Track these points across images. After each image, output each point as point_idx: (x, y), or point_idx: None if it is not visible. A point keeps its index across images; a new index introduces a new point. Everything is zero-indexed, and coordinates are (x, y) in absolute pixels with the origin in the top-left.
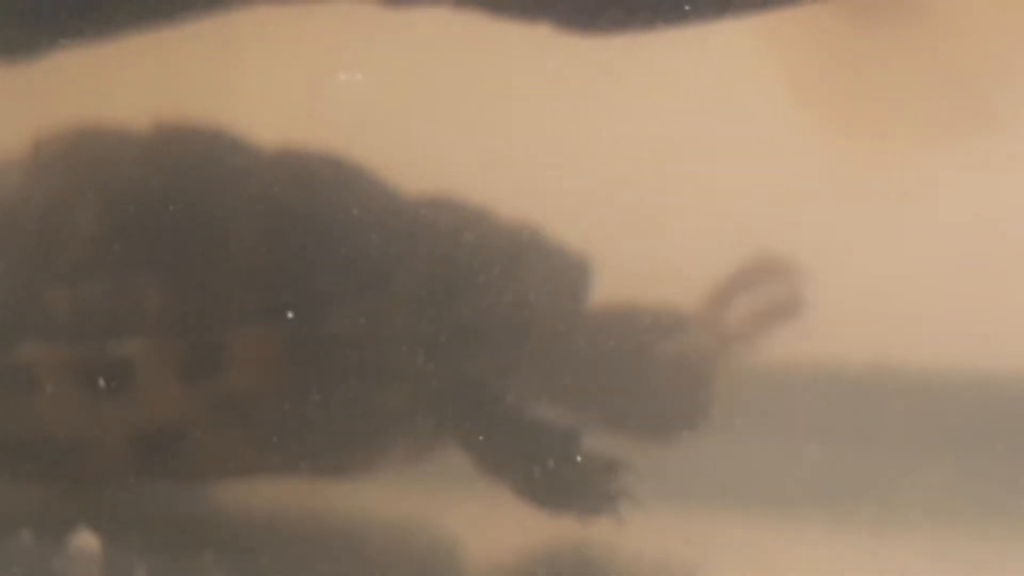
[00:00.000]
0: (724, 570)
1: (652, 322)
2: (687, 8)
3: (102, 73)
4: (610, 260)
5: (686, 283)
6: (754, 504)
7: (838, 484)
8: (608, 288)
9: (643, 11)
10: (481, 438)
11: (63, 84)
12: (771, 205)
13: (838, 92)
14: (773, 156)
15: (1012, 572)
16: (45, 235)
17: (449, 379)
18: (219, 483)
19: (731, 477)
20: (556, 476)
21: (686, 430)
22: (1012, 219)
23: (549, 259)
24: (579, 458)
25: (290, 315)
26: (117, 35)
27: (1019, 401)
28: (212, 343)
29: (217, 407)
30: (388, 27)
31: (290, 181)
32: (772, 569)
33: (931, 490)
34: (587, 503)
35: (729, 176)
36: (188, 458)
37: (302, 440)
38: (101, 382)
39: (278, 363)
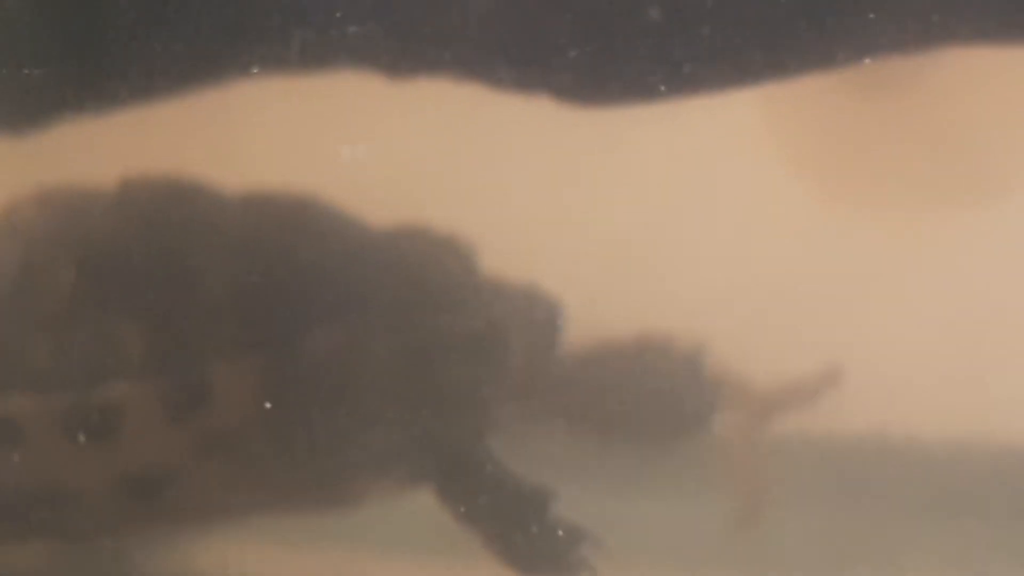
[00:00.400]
0: None
1: (634, 353)
2: (687, 81)
3: (95, 143)
4: (610, 327)
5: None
6: (745, 568)
7: (835, 551)
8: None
9: (642, 84)
10: (460, 497)
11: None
12: (769, 275)
13: (836, 164)
14: (771, 227)
15: None
16: (21, 292)
17: (427, 427)
18: (209, 525)
19: (723, 539)
20: (532, 543)
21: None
22: (1010, 288)
23: (521, 299)
24: (560, 532)
25: (268, 346)
26: (118, 109)
27: (1018, 471)
28: (194, 381)
29: (203, 445)
30: (391, 101)
31: (258, 221)
32: None
33: (929, 558)
34: (557, 570)
35: (727, 246)
36: (178, 499)
37: (289, 474)
38: (83, 434)
39: (259, 395)
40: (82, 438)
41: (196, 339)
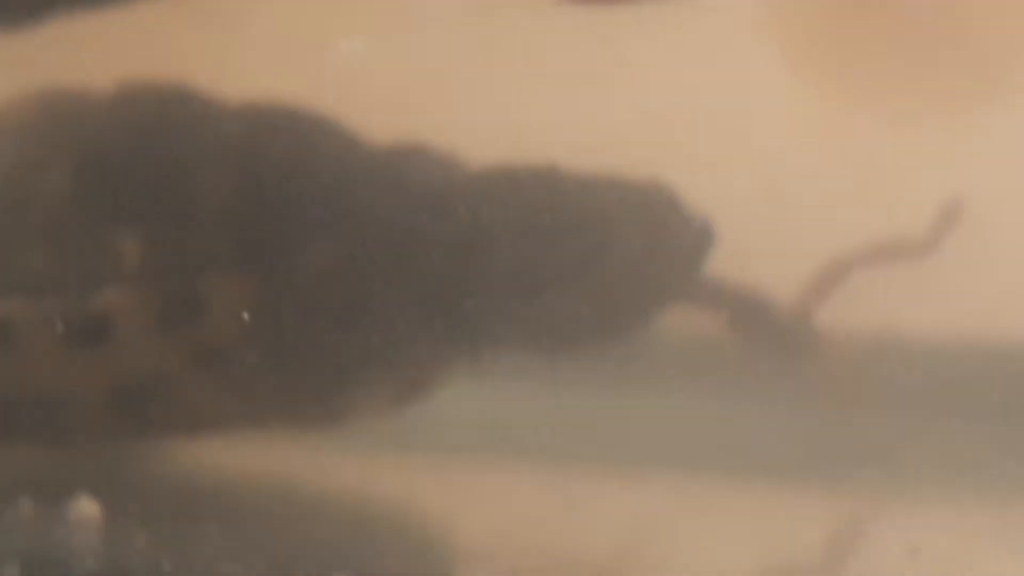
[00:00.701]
0: (721, 542)
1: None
2: None
3: (83, 42)
4: None
5: None
6: (748, 471)
7: (838, 451)
8: None
9: None
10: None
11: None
12: (768, 172)
13: (834, 62)
14: (769, 125)
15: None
16: (17, 194)
17: (431, 316)
18: (199, 436)
19: (726, 443)
20: None
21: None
22: (1007, 189)
23: (520, 196)
24: None
25: (263, 260)
26: (110, 5)
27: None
28: (188, 292)
29: (195, 356)
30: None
31: (254, 131)
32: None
33: (936, 459)
34: None
35: (726, 143)
36: (168, 410)
37: (281, 388)
38: (74, 339)
39: (253, 308)
40: (74, 344)
41: (192, 251)
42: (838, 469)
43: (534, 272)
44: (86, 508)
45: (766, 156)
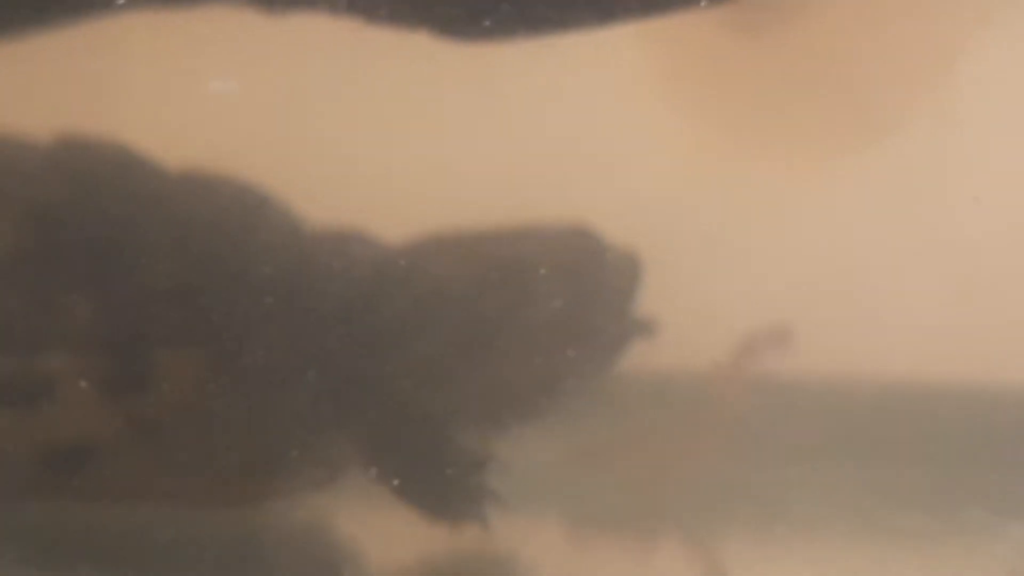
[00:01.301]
0: None
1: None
2: (566, 16)
3: None
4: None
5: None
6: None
7: (720, 495)
8: None
9: (522, 19)
10: (398, 471)
11: None
12: (647, 214)
13: (715, 101)
14: (650, 164)
15: None
16: None
17: (361, 398)
18: (124, 506)
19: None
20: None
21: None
22: (892, 224)
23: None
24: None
25: (209, 338)
26: None
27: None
28: (135, 362)
29: (134, 427)
30: (263, 35)
31: (198, 201)
32: None
33: (815, 501)
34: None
35: (607, 185)
36: (101, 478)
37: (216, 466)
38: (12, 398)
39: (197, 388)
40: (13, 404)
41: (142, 320)
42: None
43: (457, 341)
44: None
45: (643, 195)
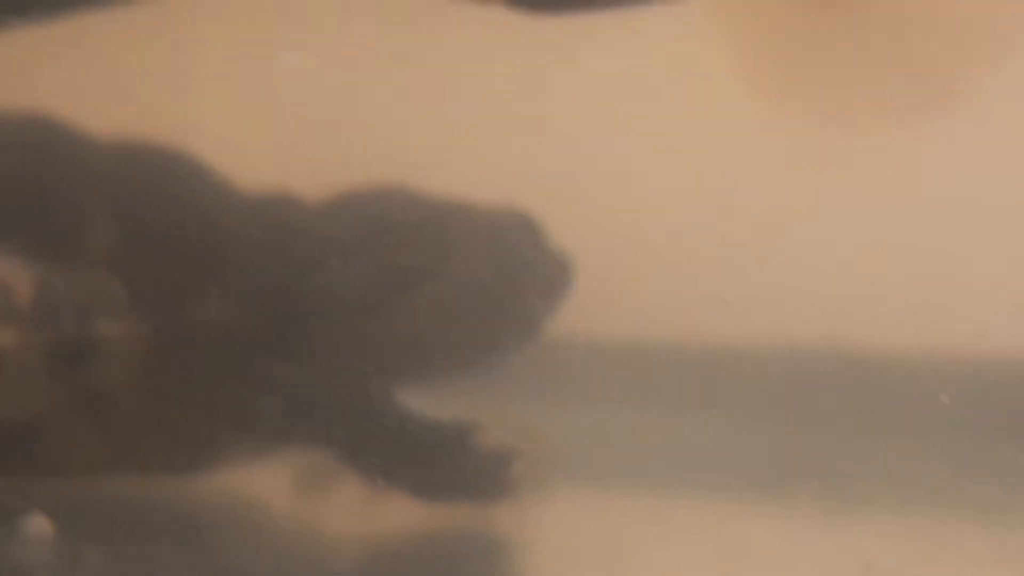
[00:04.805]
0: (675, 552)
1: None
2: None
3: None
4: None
5: (631, 262)
6: (697, 486)
7: (785, 465)
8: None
9: None
10: (364, 447)
11: None
12: (719, 188)
13: (790, 74)
14: (721, 138)
15: (967, 556)
16: None
17: (315, 378)
18: (75, 479)
19: (680, 458)
20: (452, 472)
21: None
22: (963, 199)
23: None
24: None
25: (156, 310)
26: (43, 19)
27: (975, 384)
28: (79, 335)
29: (79, 402)
30: (335, 6)
31: (130, 170)
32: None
33: (881, 474)
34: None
35: (677, 157)
36: (48, 452)
37: (159, 437)
38: None
39: (142, 356)
40: None
41: (85, 293)
42: (787, 484)
43: (366, 294)
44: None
45: (718, 166)
